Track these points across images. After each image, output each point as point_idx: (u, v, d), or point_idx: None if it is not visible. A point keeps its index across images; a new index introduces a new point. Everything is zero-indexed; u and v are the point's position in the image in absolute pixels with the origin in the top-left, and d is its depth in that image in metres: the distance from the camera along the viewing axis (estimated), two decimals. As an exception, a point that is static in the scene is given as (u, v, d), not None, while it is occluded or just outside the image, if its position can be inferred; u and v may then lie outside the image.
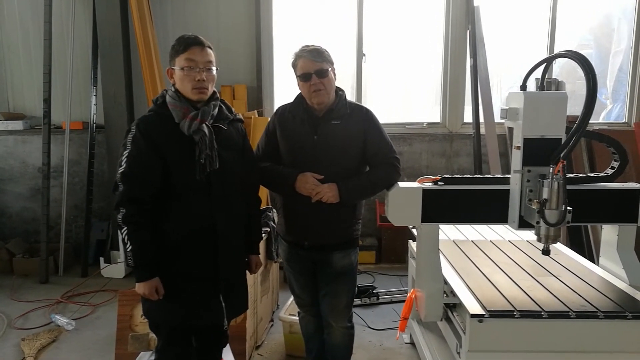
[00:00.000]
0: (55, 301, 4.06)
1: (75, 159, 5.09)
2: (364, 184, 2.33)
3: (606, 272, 2.37)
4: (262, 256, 3.25)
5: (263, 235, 3.26)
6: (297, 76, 2.33)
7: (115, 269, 4.62)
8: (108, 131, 4.86)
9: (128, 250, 1.99)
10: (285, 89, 5.13)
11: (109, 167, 4.92)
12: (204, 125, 2.05)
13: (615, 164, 2.22)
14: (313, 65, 2.26)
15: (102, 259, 4.67)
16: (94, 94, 4.90)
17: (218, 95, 2.18)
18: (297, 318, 2.80)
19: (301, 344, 2.85)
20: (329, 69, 2.29)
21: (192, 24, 4.97)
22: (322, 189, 2.26)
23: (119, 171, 2.01)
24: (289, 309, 3.25)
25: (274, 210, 3.55)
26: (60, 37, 4.94)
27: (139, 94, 4.86)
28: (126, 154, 2.01)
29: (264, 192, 4.51)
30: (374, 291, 4.04)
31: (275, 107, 4.95)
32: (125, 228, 1.99)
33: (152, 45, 4.62)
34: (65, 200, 4.90)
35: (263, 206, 3.65)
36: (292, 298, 2.98)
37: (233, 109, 2.27)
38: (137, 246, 1.99)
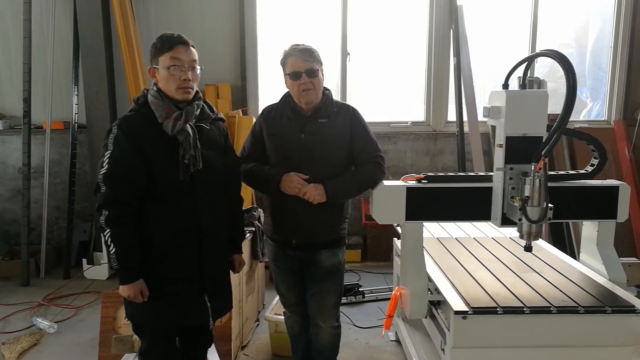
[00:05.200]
0: (36, 304, 3.99)
1: (56, 159, 5.02)
2: (349, 183, 2.34)
3: (586, 267, 2.41)
4: (247, 256, 3.25)
5: (247, 234, 3.26)
6: (286, 74, 2.32)
7: (98, 271, 4.57)
8: (90, 131, 4.79)
9: (111, 252, 1.97)
10: (270, 87, 5.11)
11: (92, 168, 4.85)
12: (187, 125, 2.03)
13: (595, 162, 2.25)
14: (303, 64, 2.26)
15: (84, 261, 4.61)
16: (76, 93, 4.83)
17: (201, 94, 2.17)
18: (283, 318, 2.79)
19: (287, 343, 2.84)
20: (319, 69, 2.30)
21: (176, 22, 4.93)
22: (308, 189, 2.26)
23: (101, 172, 1.98)
24: (275, 309, 3.24)
25: (259, 209, 3.54)
26: (40, 35, 4.85)
27: (121, 94, 4.80)
28: (108, 155, 1.98)
29: (248, 192, 4.50)
30: (360, 289, 4.05)
31: (260, 105, 4.95)
32: (108, 230, 1.96)
33: (134, 44, 4.57)
34: (47, 201, 4.82)
35: (248, 205, 3.65)
36: (277, 297, 2.97)
37: (214, 108, 2.26)
38: (121, 248, 1.97)
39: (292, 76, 2.27)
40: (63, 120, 4.97)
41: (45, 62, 4.83)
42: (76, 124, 4.83)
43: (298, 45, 2.31)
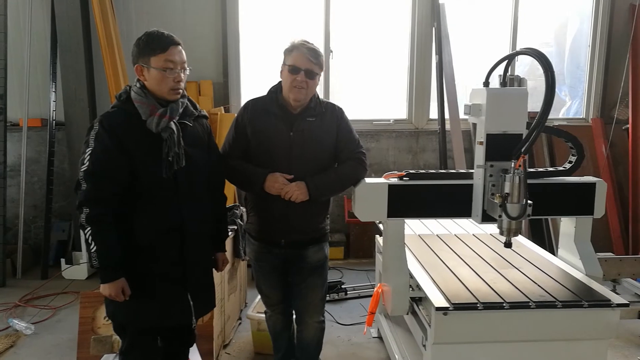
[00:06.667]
0: (13, 305, 3.91)
1: (33, 157, 4.92)
2: (332, 180, 2.34)
3: (564, 263, 2.45)
4: (229, 254, 3.22)
5: (230, 233, 3.24)
6: (285, 64, 2.29)
7: (77, 270, 4.49)
8: (69, 128, 4.70)
9: (92, 250, 1.94)
10: (252, 84, 5.08)
11: (70, 166, 4.77)
12: (171, 122, 2.01)
13: (573, 159, 2.29)
14: (306, 63, 2.24)
15: (63, 260, 4.53)
16: (53, 89, 4.73)
17: (185, 92, 2.15)
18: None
19: (269, 341, 2.83)
20: (318, 74, 2.29)
21: (156, 18, 4.86)
22: (290, 189, 2.26)
23: (82, 169, 1.95)
24: (257, 307, 3.22)
25: (242, 207, 3.52)
26: (16, 30, 4.75)
27: (101, 91, 4.73)
28: (89, 152, 1.95)
29: (230, 190, 4.47)
30: (342, 287, 4.06)
31: (242, 103, 4.90)
32: (89, 228, 1.93)
33: (114, 39, 4.49)
34: (24, 200, 4.72)
35: (230, 204, 3.62)
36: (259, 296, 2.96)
37: (198, 105, 2.23)
38: (102, 246, 1.94)
39: (291, 69, 2.25)
40: (40, 117, 4.86)
41: (22, 57, 4.73)
42: (54, 122, 4.74)
43: (309, 42, 2.30)
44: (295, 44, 2.29)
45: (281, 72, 2.33)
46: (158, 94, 2.03)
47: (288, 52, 2.30)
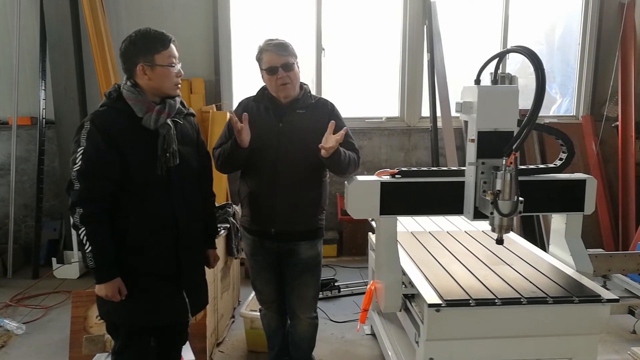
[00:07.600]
0: (4, 305, 3.88)
1: (23, 156, 4.87)
2: (343, 154, 2.31)
3: (555, 259, 2.47)
4: (222, 252, 3.22)
5: (222, 231, 3.24)
6: (262, 70, 2.35)
7: (69, 270, 4.46)
8: (59, 127, 4.66)
9: (87, 251, 1.92)
10: (244, 82, 5.07)
11: (61, 164, 4.72)
12: (168, 119, 2.02)
13: (564, 156, 2.30)
14: (279, 59, 2.28)
15: (54, 260, 4.50)
16: (43, 88, 4.69)
17: None
18: (259, 314, 2.79)
19: (262, 339, 2.84)
20: (294, 63, 2.33)
21: (147, 15, 4.83)
22: (335, 135, 2.19)
23: (74, 169, 1.93)
24: (250, 305, 3.23)
25: (234, 205, 3.52)
26: (4, 28, 4.70)
27: (91, 88, 4.68)
28: (81, 151, 1.93)
29: (222, 188, 4.47)
30: (336, 284, 4.07)
31: (234, 100, 4.90)
32: (83, 228, 1.92)
33: (104, 37, 4.46)
34: (14, 199, 4.68)
35: (222, 202, 3.62)
36: (253, 294, 2.96)
37: (185, 103, 2.23)
38: (97, 246, 1.92)
39: (269, 71, 2.30)
40: (30, 115, 4.81)
41: (11, 55, 4.68)
42: (44, 120, 4.69)
43: (272, 40, 2.33)
44: (261, 47, 2.35)
45: (262, 77, 2.39)
46: (162, 90, 2.03)
47: (259, 58, 2.36)
